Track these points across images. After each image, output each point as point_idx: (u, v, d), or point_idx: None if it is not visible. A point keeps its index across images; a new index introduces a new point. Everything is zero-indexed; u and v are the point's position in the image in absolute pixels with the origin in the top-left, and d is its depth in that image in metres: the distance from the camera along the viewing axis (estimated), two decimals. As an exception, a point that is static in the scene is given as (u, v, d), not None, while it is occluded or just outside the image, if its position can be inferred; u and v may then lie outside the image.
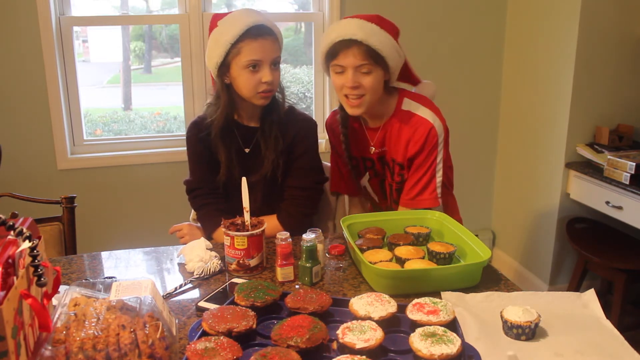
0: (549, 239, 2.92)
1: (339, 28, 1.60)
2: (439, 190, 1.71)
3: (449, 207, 1.85)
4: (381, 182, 1.84)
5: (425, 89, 1.82)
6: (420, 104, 1.71)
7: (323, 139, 1.97)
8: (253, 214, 1.48)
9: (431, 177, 1.69)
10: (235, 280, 1.38)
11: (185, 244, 1.57)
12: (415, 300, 1.17)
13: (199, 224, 1.78)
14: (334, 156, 1.92)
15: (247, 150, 1.73)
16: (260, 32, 1.59)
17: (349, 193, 1.95)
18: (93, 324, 0.94)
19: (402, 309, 1.16)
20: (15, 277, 0.86)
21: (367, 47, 1.57)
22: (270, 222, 1.66)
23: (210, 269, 1.43)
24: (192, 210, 1.87)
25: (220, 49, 1.60)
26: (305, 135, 1.74)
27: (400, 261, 1.41)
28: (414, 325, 1.11)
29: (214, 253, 1.49)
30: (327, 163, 1.95)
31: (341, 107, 1.78)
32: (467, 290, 1.30)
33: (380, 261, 1.37)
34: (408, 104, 1.72)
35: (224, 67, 1.63)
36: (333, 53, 1.61)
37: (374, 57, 1.58)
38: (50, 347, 0.90)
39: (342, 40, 1.58)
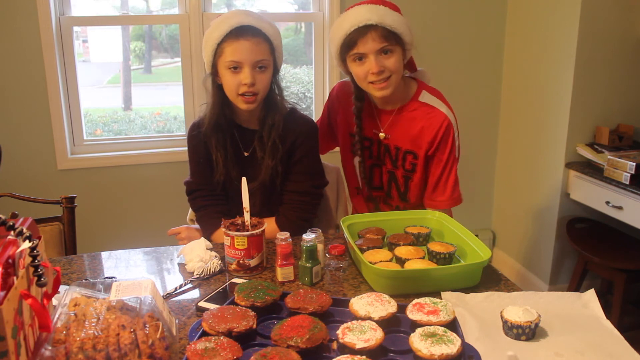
0: (549, 239, 2.92)
1: (351, 17, 1.59)
2: (459, 188, 1.76)
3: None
4: (371, 166, 1.83)
5: (426, 75, 1.83)
6: (438, 99, 1.74)
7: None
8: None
9: (453, 177, 1.74)
10: (235, 280, 1.37)
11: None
12: (415, 300, 1.17)
13: (196, 226, 1.78)
14: (323, 123, 1.92)
15: (246, 153, 1.71)
16: (243, 33, 1.57)
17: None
18: (93, 324, 0.94)
19: (402, 309, 1.16)
20: (15, 277, 0.86)
21: (383, 29, 1.57)
22: (268, 226, 1.64)
23: (210, 269, 1.43)
24: (190, 211, 1.86)
25: (208, 49, 1.61)
26: (305, 139, 1.70)
27: (400, 261, 1.41)
28: (414, 325, 1.11)
29: (214, 253, 1.49)
30: (327, 164, 1.94)
31: (356, 91, 1.75)
32: (467, 290, 1.30)
33: (380, 261, 1.36)
34: (426, 97, 1.74)
35: (214, 67, 1.63)
36: (350, 43, 1.60)
37: (391, 37, 1.59)
38: (50, 347, 0.90)
39: (357, 27, 1.57)
